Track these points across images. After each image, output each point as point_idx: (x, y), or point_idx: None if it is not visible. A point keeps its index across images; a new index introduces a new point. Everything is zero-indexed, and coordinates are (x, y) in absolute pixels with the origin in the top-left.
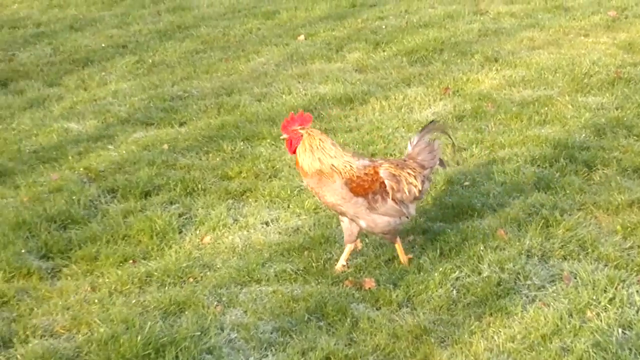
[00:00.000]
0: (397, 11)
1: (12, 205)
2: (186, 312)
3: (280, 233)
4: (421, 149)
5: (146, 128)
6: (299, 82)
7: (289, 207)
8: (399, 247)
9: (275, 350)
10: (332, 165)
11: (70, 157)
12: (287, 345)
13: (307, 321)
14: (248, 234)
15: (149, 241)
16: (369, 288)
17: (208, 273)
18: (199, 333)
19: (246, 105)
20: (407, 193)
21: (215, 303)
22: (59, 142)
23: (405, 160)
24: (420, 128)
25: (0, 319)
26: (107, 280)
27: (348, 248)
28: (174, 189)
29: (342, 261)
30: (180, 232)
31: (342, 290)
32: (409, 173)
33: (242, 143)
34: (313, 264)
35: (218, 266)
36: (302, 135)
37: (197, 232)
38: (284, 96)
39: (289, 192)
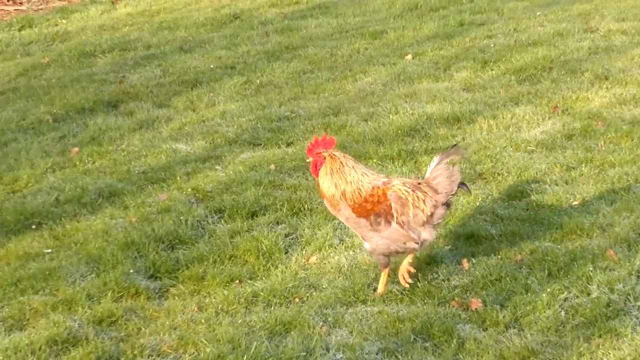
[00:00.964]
0: (505, 29)
1: (121, 225)
2: (292, 333)
3: None
4: (439, 173)
5: (253, 148)
6: (406, 102)
7: None
8: (385, 274)
9: None
10: (343, 191)
11: (178, 178)
12: None
13: (413, 342)
14: (354, 254)
15: (256, 261)
16: (476, 309)
17: (314, 293)
18: (305, 353)
19: (353, 125)
20: (412, 217)
21: (321, 323)
22: (167, 163)
23: (419, 183)
24: (442, 151)
25: (109, 339)
26: (213, 300)
27: (384, 273)
28: (281, 209)
29: (380, 286)
30: (286, 252)
31: (448, 310)
32: (418, 197)
33: None
34: (419, 284)
35: (324, 286)
36: (325, 158)
37: (303, 252)
38: (390, 116)
39: None
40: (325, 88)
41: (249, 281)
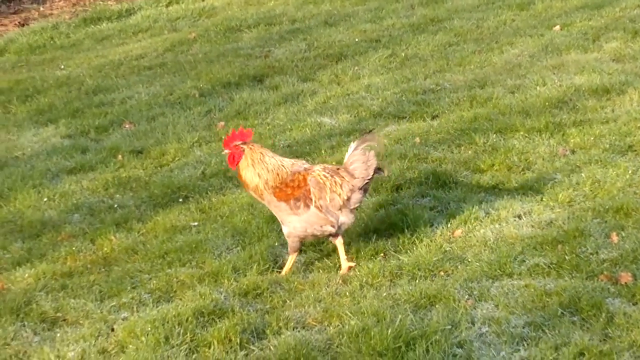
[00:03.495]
0: None
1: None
2: (437, 306)
3: (532, 226)
4: (355, 159)
5: (398, 121)
6: (554, 74)
7: (542, 200)
8: (293, 258)
9: (527, 345)
10: (266, 180)
11: (323, 151)
12: (540, 340)
13: (560, 316)
14: (500, 227)
15: (400, 234)
16: (625, 283)
17: (459, 266)
18: (450, 327)
19: (499, 98)
20: (329, 201)
21: (466, 297)
22: (312, 137)
23: (338, 169)
24: (359, 137)
25: (254, 311)
26: (358, 273)
27: (292, 257)
28: (426, 182)
29: (286, 268)
30: (431, 226)
31: (596, 284)
32: (335, 182)
33: (494, 136)
34: (566, 258)
35: (469, 260)
36: (243, 151)
37: (449, 225)
38: (538, 88)
39: (542, 184)
40: (470, 60)
41: (394, 254)
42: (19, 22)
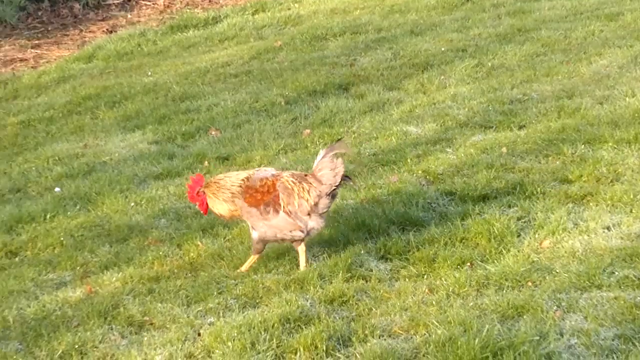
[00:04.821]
0: None
1: (352, 206)
2: (524, 317)
3: (622, 238)
4: (324, 165)
5: (485, 131)
6: None
7: (631, 211)
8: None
9: (617, 357)
10: (229, 197)
11: (408, 160)
12: (630, 353)
13: None
14: (589, 239)
15: (487, 244)
16: None
17: (547, 277)
18: (538, 338)
19: (587, 108)
20: (297, 207)
21: (555, 308)
22: (397, 145)
23: (306, 175)
24: (328, 143)
25: (340, 318)
26: (444, 282)
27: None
28: (513, 192)
29: (245, 266)
30: (518, 236)
31: None
32: (303, 187)
33: (582, 146)
34: None
35: (557, 271)
36: (204, 193)
37: (536, 236)
38: (627, 99)
39: (631, 196)
40: (558, 71)
41: (480, 264)
42: (107, 29)
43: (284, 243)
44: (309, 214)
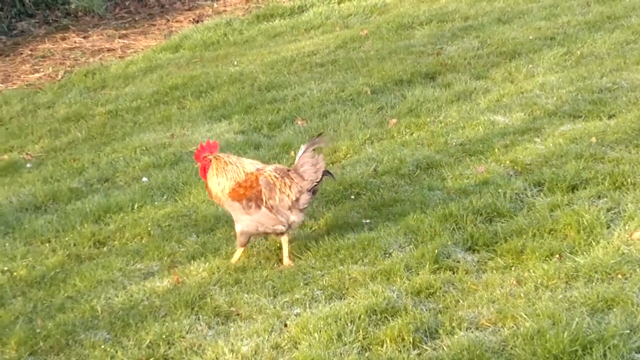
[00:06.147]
0: None
1: (439, 197)
2: (614, 310)
3: None
4: (305, 161)
5: (573, 121)
6: None
7: None
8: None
9: None
10: (224, 188)
11: (496, 150)
12: None
13: None
14: None
15: (576, 236)
16: None
17: (638, 270)
18: (628, 331)
19: None
20: (278, 202)
21: None
22: (485, 135)
23: (289, 170)
24: (309, 139)
25: (427, 310)
26: (532, 274)
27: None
28: (602, 183)
29: (234, 259)
30: (608, 227)
31: None
32: (285, 183)
33: None
34: None
35: None
36: (210, 161)
37: (626, 227)
38: None
39: None
40: None
41: (569, 256)
42: (193, 19)
43: (268, 236)
44: (289, 209)
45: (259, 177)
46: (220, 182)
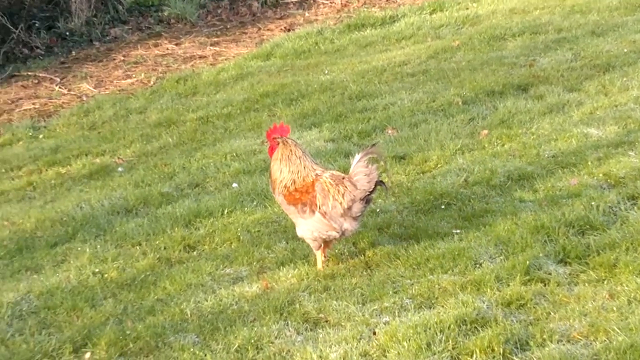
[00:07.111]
0: None
1: (531, 208)
2: None
3: None
4: (359, 170)
5: None
6: None
7: None
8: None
9: None
10: (283, 178)
11: (589, 163)
12: None
13: None
14: None
15: None
16: None
17: None
18: None
19: None
20: (331, 208)
21: None
22: (578, 147)
23: (344, 178)
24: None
25: (517, 321)
26: (625, 288)
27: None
28: None
29: (318, 265)
30: None
31: None
32: (339, 190)
33: None
34: None
35: None
36: (278, 144)
37: None
38: None
39: None
40: None
41: None
42: (284, 27)
43: (324, 241)
44: (342, 216)
45: (315, 183)
46: (283, 170)
